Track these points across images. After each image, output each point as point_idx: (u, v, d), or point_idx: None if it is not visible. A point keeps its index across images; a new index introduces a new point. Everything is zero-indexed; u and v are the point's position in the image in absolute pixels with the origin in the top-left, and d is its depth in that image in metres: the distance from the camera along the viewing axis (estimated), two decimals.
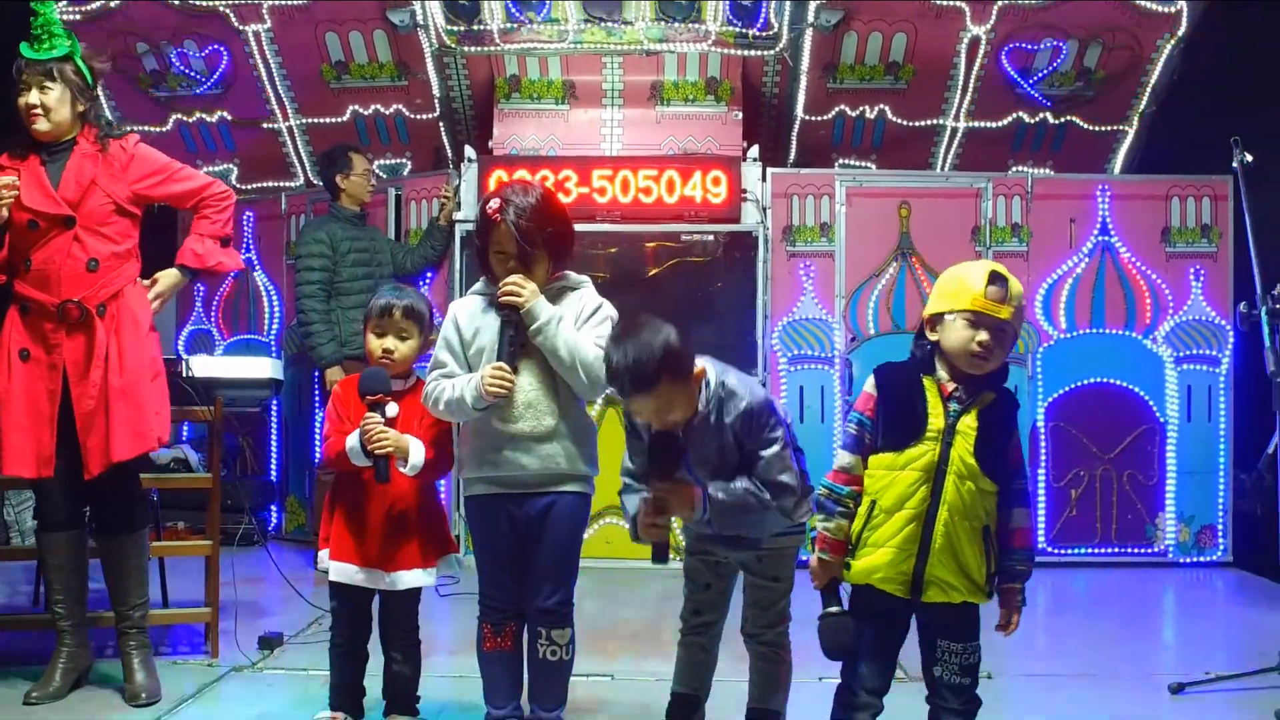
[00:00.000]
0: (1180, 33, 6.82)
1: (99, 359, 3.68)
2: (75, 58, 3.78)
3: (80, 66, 3.79)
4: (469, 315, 3.24)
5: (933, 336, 2.72)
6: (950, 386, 2.69)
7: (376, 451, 3.22)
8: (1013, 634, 2.76)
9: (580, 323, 3.18)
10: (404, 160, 7.61)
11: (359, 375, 3.35)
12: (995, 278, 2.64)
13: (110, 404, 3.67)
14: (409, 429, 3.32)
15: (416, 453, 3.27)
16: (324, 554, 3.38)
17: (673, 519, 3.02)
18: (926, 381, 2.70)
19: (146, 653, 3.87)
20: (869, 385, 2.77)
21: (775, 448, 2.91)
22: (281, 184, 7.61)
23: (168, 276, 3.93)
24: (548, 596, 3.15)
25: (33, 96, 3.70)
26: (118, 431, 3.67)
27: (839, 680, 2.82)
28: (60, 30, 3.77)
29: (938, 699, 2.76)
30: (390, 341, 3.36)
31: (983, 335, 2.63)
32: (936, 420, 2.66)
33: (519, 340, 3.10)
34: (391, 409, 3.28)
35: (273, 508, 7.20)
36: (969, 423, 2.66)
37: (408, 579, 3.34)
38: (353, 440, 3.26)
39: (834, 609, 2.77)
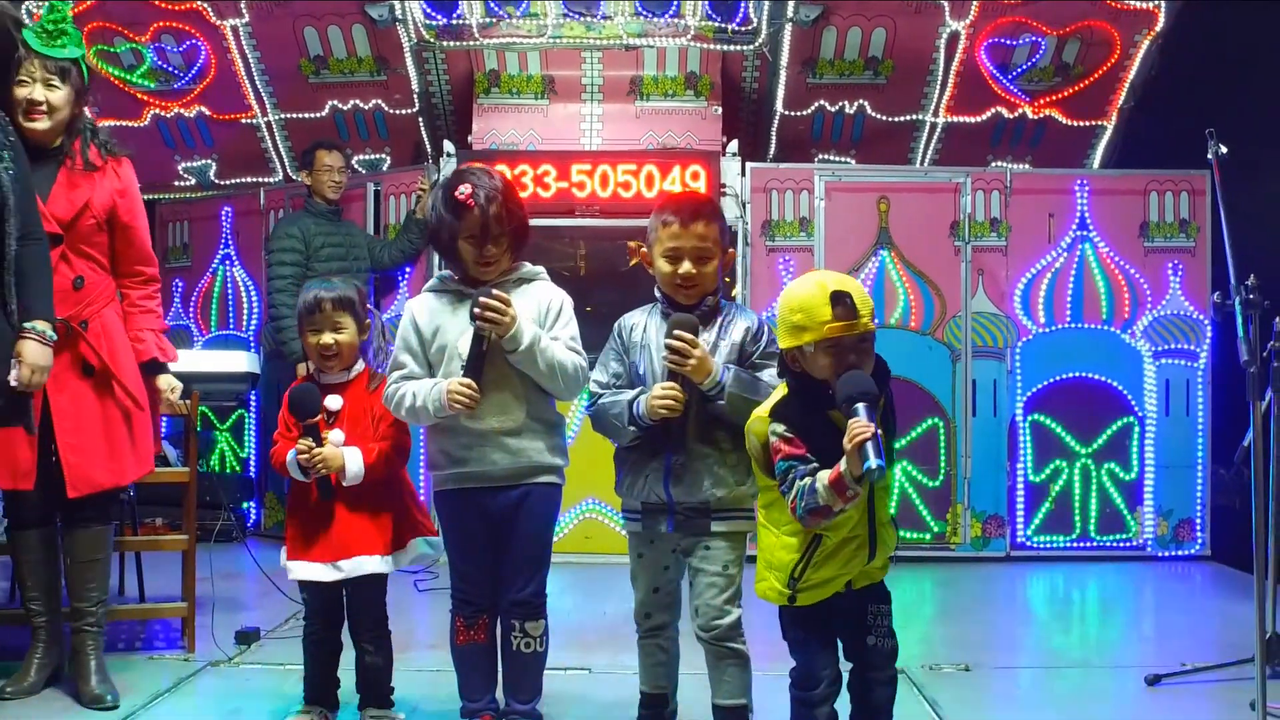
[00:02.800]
0: (1158, 29, 6.86)
1: (90, 375, 3.64)
2: (82, 61, 3.68)
3: (84, 70, 3.70)
4: (428, 313, 3.20)
5: (796, 368, 2.64)
6: None
7: (314, 475, 3.24)
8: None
9: (547, 325, 3.16)
10: (383, 155, 7.60)
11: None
12: (837, 298, 2.54)
13: (113, 428, 3.68)
14: (357, 421, 3.30)
15: (354, 463, 3.24)
16: (283, 552, 3.39)
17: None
18: (835, 416, 2.54)
19: (100, 653, 3.77)
20: (781, 429, 2.60)
21: (774, 369, 2.87)
22: (260, 179, 7.58)
23: (168, 379, 3.92)
24: (521, 588, 3.14)
25: (37, 92, 3.56)
26: (126, 456, 3.71)
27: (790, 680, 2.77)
28: (73, 29, 3.63)
29: (872, 671, 2.74)
30: (328, 336, 3.31)
31: (849, 357, 2.56)
32: None
33: (489, 356, 3.05)
34: (335, 401, 3.29)
35: (251, 504, 7.17)
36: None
37: (367, 565, 3.28)
38: (290, 456, 3.27)
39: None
